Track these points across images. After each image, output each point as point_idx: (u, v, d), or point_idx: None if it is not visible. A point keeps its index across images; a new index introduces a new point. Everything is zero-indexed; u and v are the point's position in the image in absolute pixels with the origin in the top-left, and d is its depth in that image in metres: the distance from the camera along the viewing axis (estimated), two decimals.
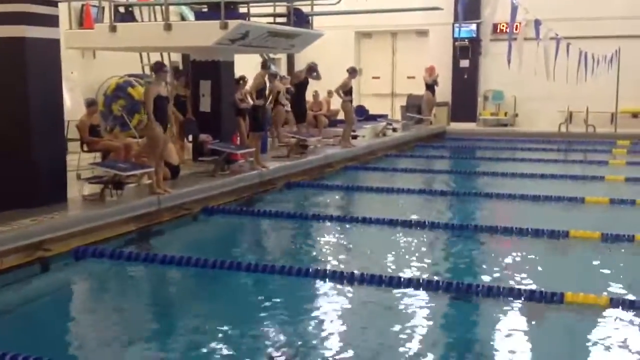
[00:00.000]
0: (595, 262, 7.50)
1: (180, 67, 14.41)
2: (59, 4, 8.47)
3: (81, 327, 5.93)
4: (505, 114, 20.95)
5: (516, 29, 15.36)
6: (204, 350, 5.25)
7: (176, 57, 15.16)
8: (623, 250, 7.89)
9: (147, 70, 12.92)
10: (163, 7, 11.91)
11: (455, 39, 20.76)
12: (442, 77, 20.35)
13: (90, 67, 13.97)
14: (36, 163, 8.14)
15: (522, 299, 6.11)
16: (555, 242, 8.18)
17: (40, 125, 8.18)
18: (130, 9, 12.54)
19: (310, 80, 14.57)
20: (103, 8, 12.64)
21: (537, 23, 14.72)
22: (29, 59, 8.01)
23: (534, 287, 6.26)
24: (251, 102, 11.72)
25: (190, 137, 12.04)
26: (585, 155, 16.37)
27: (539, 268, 7.37)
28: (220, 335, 5.53)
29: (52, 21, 8.28)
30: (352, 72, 14.75)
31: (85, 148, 10.06)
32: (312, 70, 14.27)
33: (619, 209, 10.16)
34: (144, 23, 12.90)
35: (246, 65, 13.71)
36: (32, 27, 7.99)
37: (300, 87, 14.20)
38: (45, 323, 5.88)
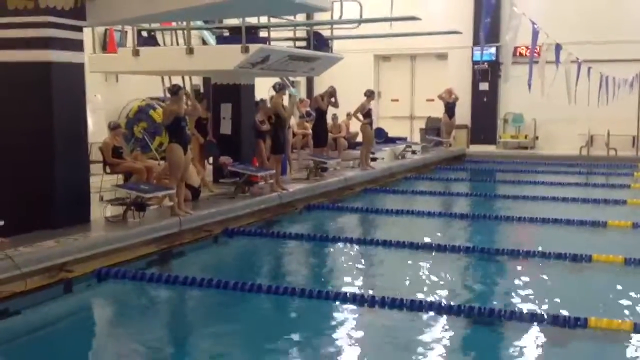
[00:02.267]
0: (619, 287, 7.40)
1: (202, 90, 14.57)
2: (83, 29, 8.61)
3: (103, 349, 5.96)
4: (526, 136, 20.87)
5: (537, 53, 15.36)
6: None
7: (197, 80, 15.33)
8: None
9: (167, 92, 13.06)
10: (185, 32, 12.09)
11: (474, 62, 20.78)
12: (462, 100, 20.36)
13: (113, 90, 14.17)
14: (60, 184, 8.23)
15: (545, 323, 6.05)
16: (578, 266, 8.09)
17: (64, 147, 8.28)
18: (152, 33, 12.73)
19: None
20: (126, 32, 12.86)
21: (558, 47, 14.72)
22: (54, 82, 8.13)
23: (557, 311, 6.19)
24: (268, 125, 11.78)
25: (211, 159, 12.13)
26: (606, 179, 16.24)
27: (562, 292, 7.28)
28: (240, 357, 5.52)
29: (76, 46, 8.41)
30: (370, 94, 14.81)
31: (108, 170, 10.17)
32: (331, 95, 14.35)
33: None
34: (167, 47, 13.10)
35: (266, 88, 13.82)
36: (57, 52, 8.12)
37: (320, 112, 14.27)
38: (67, 344, 5.92)
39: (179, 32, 13.60)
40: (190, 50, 11.28)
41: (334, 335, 6.09)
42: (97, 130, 12.19)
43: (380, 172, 15.14)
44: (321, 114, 14.17)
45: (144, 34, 12.53)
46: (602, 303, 6.79)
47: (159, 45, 12.92)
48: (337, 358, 5.54)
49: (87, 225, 8.37)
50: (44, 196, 8.14)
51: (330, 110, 15.21)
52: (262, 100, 12.65)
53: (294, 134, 14.92)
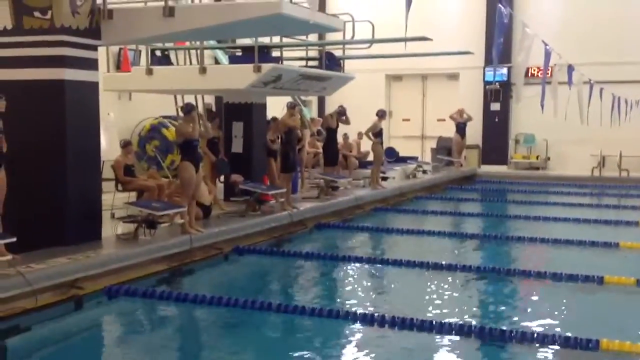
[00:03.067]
0: (631, 309, 7.35)
1: (214, 109, 14.67)
2: (98, 48, 8.71)
3: None
4: (537, 157, 20.83)
5: (549, 74, 15.39)
6: None
7: (209, 99, 15.44)
8: None
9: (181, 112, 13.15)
10: (198, 51, 12.20)
11: (486, 83, 20.82)
12: (473, 120, 20.37)
13: (126, 108, 14.29)
14: (72, 202, 8.29)
15: (557, 345, 6.00)
16: (590, 288, 8.04)
17: (77, 165, 8.34)
18: (166, 52, 12.86)
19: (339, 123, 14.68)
20: (140, 52, 13.00)
21: (570, 68, 14.74)
22: (68, 100, 8.21)
23: (568, 333, 6.14)
24: (279, 144, 11.85)
25: (222, 178, 12.18)
26: (619, 200, 16.15)
27: (574, 314, 7.24)
28: None
29: (91, 64, 8.52)
30: (382, 114, 14.85)
31: (119, 187, 10.23)
32: (341, 114, 14.42)
33: None
34: (180, 66, 13.21)
35: (277, 107, 13.91)
36: (72, 70, 8.22)
37: (331, 131, 14.33)
38: None
39: (192, 52, 13.72)
40: (203, 70, 11.38)
41: (343, 355, 6.07)
42: (109, 148, 12.27)
43: (390, 191, 15.14)
44: (331, 133, 14.22)
45: (158, 53, 12.66)
46: (614, 325, 6.73)
47: (172, 64, 13.04)
48: None
49: (98, 242, 8.41)
50: (56, 213, 8.19)
51: (342, 130, 15.27)
52: (274, 118, 12.71)
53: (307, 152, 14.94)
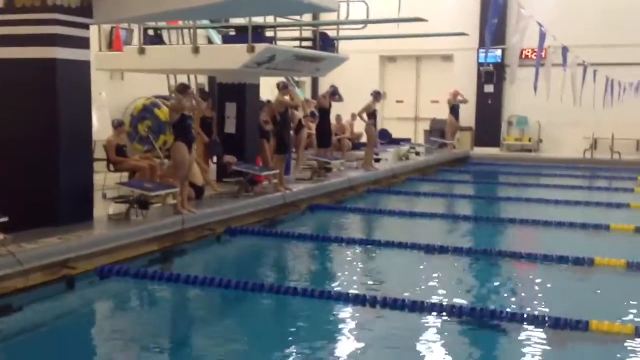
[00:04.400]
0: (620, 290, 7.40)
1: (206, 89, 14.59)
2: (90, 27, 8.64)
3: (104, 346, 5.97)
4: (529, 139, 20.87)
5: (544, 56, 15.36)
6: None
7: (202, 79, 15.35)
8: None
9: (172, 92, 13.08)
10: (191, 31, 12.11)
11: (480, 64, 20.78)
12: (467, 102, 20.36)
13: (118, 88, 14.20)
14: (63, 182, 8.26)
15: (547, 325, 6.05)
16: (580, 269, 8.09)
17: (68, 144, 8.31)
18: (158, 32, 12.76)
19: (332, 103, 14.64)
20: (132, 31, 12.89)
21: (565, 50, 14.71)
22: (59, 79, 8.16)
23: (558, 314, 6.18)
24: (272, 125, 11.82)
25: (215, 158, 12.16)
26: (610, 182, 16.22)
27: (564, 295, 7.30)
28: (241, 356, 5.54)
29: (83, 43, 8.45)
30: (377, 95, 14.81)
31: (111, 168, 10.19)
32: (333, 93, 14.38)
33: None
34: (172, 46, 13.11)
35: (269, 88, 13.84)
36: (63, 49, 8.15)
37: (324, 112, 14.29)
38: (69, 341, 5.94)
39: (185, 31, 13.61)
40: (196, 49, 11.30)
41: (336, 335, 6.11)
42: (101, 127, 12.21)
43: (383, 173, 15.15)
44: (324, 114, 14.18)
45: (150, 32, 12.56)
46: (604, 306, 6.80)
47: (165, 43, 12.95)
48: (338, 358, 5.55)
49: (90, 222, 8.40)
50: (48, 193, 8.16)
51: (335, 111, 15.24)
52: (268, 101, 12.67)
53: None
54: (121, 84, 14.33)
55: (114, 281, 7.34)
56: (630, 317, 6.36)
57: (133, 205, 8.74)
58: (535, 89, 14.17)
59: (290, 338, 5.94)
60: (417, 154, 18.14)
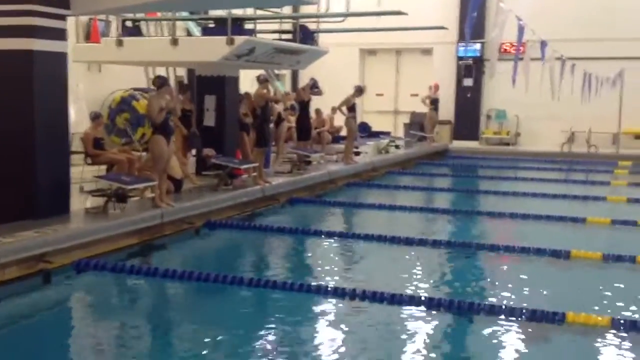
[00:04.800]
0: (597, 283, 7.49)
1: (185, 81, 14.50)
2: (67, 18, 8.53)
3: (81, 340, 5.92)
4: (508, 133, 21.01)
5: (522, 50, 15.44)
6: None
7: (181, 72, 15.25)
8: (624, 271, 7.88)
9: (152, 84, 12.99)
10: (170, 22, 12.01)
11: (459, 58, 20.87)
12: (446, 96, 20.47)
13: (96, 80, 14.07)
14: (40, 175, 8.16)
15: (524, 318, 6.10)
16: (557, 262, 8.17)
17: (45, 137, 8.21)
18: (137, 23, 12.64)
19: (312, 96, 14.63)
20: (110, 22, 12.76)
21: (543, 44, 14.81)
22: (36, 71, 8.05)
23: (535, 306, 6.24)
24: (251, 118, 11.78)
25: (194, 151, 12.08)
26: (587, 176, 16.39)
27: (541, 287, 7.36)
28: (220, 350, 5.53)
29: (60, 35, 8.34)
30: (358, 91, 14.83)
31: (89, 161, 10.09)
32: (313, 86, 14.36)
33: (621, 229, 10.16)
34: (151, 38, 13.01)
35: (249, 80, 13.79)
36: (40, 40, 8.04)
37: (304, 105, 14.28)
38: (45, 335, 5.89)
39: (164, 23, 13.52)
40: (174, 41, 11.22)
41: (315, 328, 6.11)
42: (78, 120, 12.11)
43: (363, 166, 15.18)
44: (304, 107, 14.17)
45: (128, 24, 12.44)
46: (581, 298, 6.87)
47: (143, 35, 12.84)
48: (318, 351, 5.56)
49: (67, 216, 8.31)
50: (24, 186, 8.06)
51: (315, 104, 15.22)
52: (246, 93, 12.61)
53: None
54: (99, 76, 14.20)
55: (91, 275, 7.27)
56: (607, 308, 6.43)
57: (111, 199, 8.67)
58: (513, 82, 14.26)
59: (270, 331, 5.93)
60: (397, 147, 18.19)
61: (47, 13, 8.07)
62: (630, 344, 5.66)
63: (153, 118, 9.06)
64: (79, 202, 8.78)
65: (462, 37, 19.73)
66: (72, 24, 11.54)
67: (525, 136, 20.89)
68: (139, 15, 12.55)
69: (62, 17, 8.36)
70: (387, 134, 19.23)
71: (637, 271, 7.87)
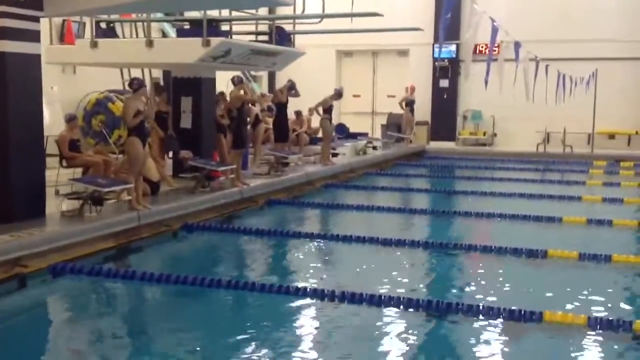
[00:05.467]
0: (573, 282, 7.57)
1: (162, 83, 14.40)
2: (41, 20, 8.43)
3: (57, 345, 5.86)
4: (484, 133, 21.17)
5: (496, 51, 15.56)
6: None
7: (157, 73, 15.15)
8: (600, 270, 7.97)
9: (127, 86, 12.88)
10: (145, 24, 11.93)
11: (435, 59, 20.98)
12: (423, 97, 20.57)
13: (71, 82, 13.92)
14: (14, 178, 8.07)
15: (501, 317, 6.14)
16: (534, 261, 8.24)
17: (19, 140, 8.11)
18: (111, 25, 12.54)
19: (290, 98, 14.62)
20: (84, 24, 12.64)
21: (517, 45, 14.93)
22: (9, 73, 7.96)
23: (513, 305, 6.29)
24: (228, 120, 11.73)
25: (171, 154, 12.01)
26: (562, 176, 16.55)
27: (518, 287, 7.41)
28: (199, 353, 5.49)
29: (33, 36, 8.24)
30: (337, 94, 14.83)
31: (64, 163, 9.98)
32: (291, 88, 14.36)
33: (596, 228, 10.26)
34: (126, 39, 12.91)
35: (225, 82, 13.73)
36: (13, 42, 7.95)
37: (281, 106, 14.26)
38: (21, 340, 5.80)
39: (139, 24, 13.41)
40: (150, 43, 11.13)
41: (294, 330, 6.10)
42: (53, 122, 11.95)
43: (341, 167, 15.19)
44: (281, 108, 14.15)
45: (103, 25, 12.32)
46: (557, 297, 6.92)
47: (118, 37, 12.73)
48: (296, 353, 5.54)
49: (42, 219, 8.22)
50: None
51: (293, 106, 15.21)
52: (221, 93, 12.56)
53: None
54: (74, 78, 14.05)
55: (67, 279, 7.20)
56: (583, 307, 6.50)
57: (87, 202, 8.58)
58: (486, 83, 14.35)
59: (248, 333, 5.90)
60: (375, 148, 18.23)
61: (19, 14, 7.97)
62: (606, 343, 5.73)
63: (128, 121, 8.98)
64: (54, 206, 8.69)
65: (437, 39, 19.84)
66: (45, 26, 11.40)
67: (501, 137, 21.05)
68: (113, 17, 12.45)
69: (35, 19, 8.26)
70: (365, 135, 19.27)
71: (613, 270, 7.96)
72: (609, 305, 6.66)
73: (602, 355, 5.53)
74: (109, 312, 6.70)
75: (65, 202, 8.75)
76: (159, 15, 12.97)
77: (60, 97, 13.31)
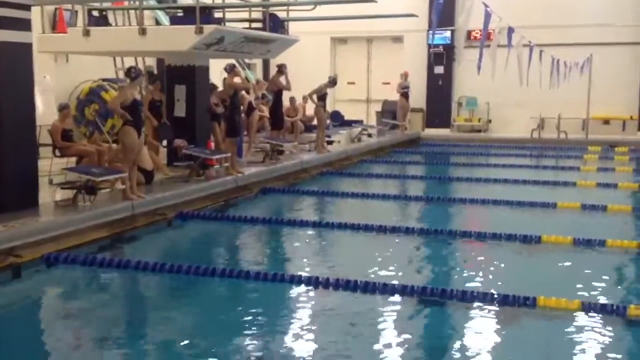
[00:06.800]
0: (567, 267, 7.59)
1: (155, 71, 14.33)
2: (32, 8, 8.36)
3: (52, 335, 5.85)
4: (479, 120, 21.15)
5: (490, 37, 15.53)
6: (178, 357, 5.20)
7: (151, 62, 15.08)
8: (594, 255, 7.99)
9: (121, 75, 12.81)
10: (138, 12, 11.85)
11: (429, 46, 20.92)
12: (418, 84, 20.52)
13: (63, 71, 13.84)
14: (8, 168, 8.03)
15: (496, 303, 6.16)
16: (528, 247, 8.26)
17: (11, 130, 8.07)
18: (104, 13, 12.44)
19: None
20: (76, 12, 12.54)
21: (510, 30, 14.91)
22: (0, 63, 7.89)
23: (507, 291, 6.30)
24: (223, 108, 11.69)
25: (165, 142, 11.97)
26: (557, 161, 16.57)
27: (512, 272, 7.44)
28: (194, 342, 5.49)
29: (24, 25, 8.18)
30: (332, 82, 14.78)
31: (57, 153, 9.94)
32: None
33: (591, 214, 10.29)
34: (118, 27, 12.82)
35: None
36: (4, 31, 7.88)
37: (277, 94, 14.21)
38: (16, 331, 5.80)
39: (132, 12, 13.31)
40: (142, 31, 11.07)
41: (290, 318, 6.10)
42: (46, 112, 11.89)
43: (336, 155, 15.17)
44: (278, 96, 14.11)
45: (95, 13, 12.23)
46: (551, 283, 6.94)
47: (111, 25, 12.64)
48: (292, 340, 5.55)
49: (35, 209, 8.20)
50: None
51: (288, 93, 15.16)
52: (212, 84, 12.50)
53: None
54: (66, 67, 13.97)
55: (61, 269, 7.19)
56: (577, 292, 6.51)
57: (80, 191, 8.56)
58: (479, 69, 14.33)
59: (243, 321, 5.90)
60: (369, 135, 18.21)
61: (9, 3, 7.91)
62: (600, 327, 5.75)
63: (113, 106, 8.94)
64: (48, 195, 8.66)
65: (432, 25, 19.79)
66: (37, 14, 11.33)
67: (496, 123, 21.04)
68: (105, 5, 12.35)
69: (26, 7, 8.20)
70: (360, 122, 19.23)
71: (607, 255, 7.98)
72: (603, 290, 6.68)
73: (596, 340, 5.54)
74: (103, 302, 6.69)
75: (58, 192, 8.72)
76: (152, 2, 12.90)
77: (53, 87, 13.24)
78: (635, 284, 7.27)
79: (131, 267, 7.16)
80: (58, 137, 9.79)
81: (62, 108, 10.07)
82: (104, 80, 13.86)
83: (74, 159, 10.11)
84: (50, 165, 9.96)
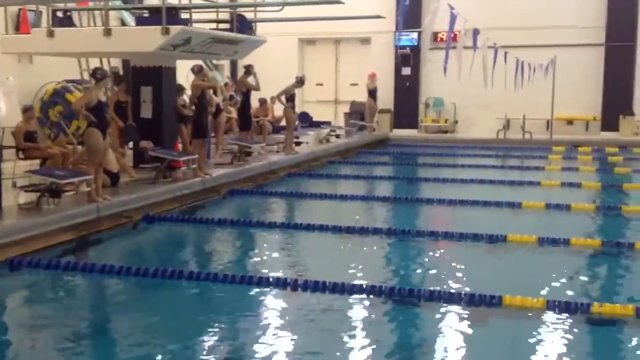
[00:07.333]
0: (532, 266, 7.69)
1: (121, 72, 14.18)
2: None
3: (15, 341, 5.74)
4: (446, 120, 21.34)
5: (455, 38, 15.68)
6: None
7: (116, 63, 14.91)
8: (559, 254, 8.11)
9: (86, 76, 12.66)
10: (103, 12, 11.72)
11: (397, 47, 21.04)
12: (386, 85, 20.63)
13: (27, 72, 13.60)
14: None
15: (462, 302, 6.22)
16: (494, 246, 8.35)
17: None
18: (68, 13, 12.27)
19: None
20: (41, 12, 12.36)
21: (476, 32, 15.06)
22: None
23: (473, 290, 6.37)
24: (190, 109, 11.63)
25: (131, 144, 11.85)
26: (522, 161, 16.79)
27: (479, 272, 7.51)
28: (161, 346, 5.44)
29: None
30: (299, 82, 14.77)
31: (21, 155, 9.78)
32: (249, 73, 14.25)
33: (555, 213, 10.45)
34: (83, 28, 12.67)
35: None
36: None
37: (245, 95, 14.17)
38: None
39: (97, 13, 13.16)
40: (107, 32, 10.95)
41: (258, 320, 6.09)
42: (9, 114, 11.70)
43: (304, 156, 15.17)
44: (246, 97, 14.06)
45: (60, 14, 12.06)
46: (517, 281, 7.04)
47: (75, 26, 12.48)
48: (261, 342, 5.53)
49: None
50: None
51: (257, 94, 15.12)
52: (180, 85, 12.42)
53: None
54: (30, 68, 13.74)
55: (25, 273, 7.07)
56: (542, 291, 6.60)
57: (44, 194, 8.43)
58: (445, 70, 14.44)
59: (211, 324, 5.88)
60: (338, 136, 18.25)
61: None
62: (565, 325, 5.83)
63: (78, 107, 8.83)
64: (11, 198, 8.51)
65: (399, 27, 19.92)
66: (0, 15, 11.15)
67: (462, 124, 21.25)
68: (70, 5, 12.18)
69: None
70: (328, 123, 19.26)
71: (571, 254, 8.11)
72: (568, 288, 6.79)
73: (561, 337, 5.62)
74: (68, 306, 6.60)
75: (22, 195, 8.58)
76: (117, 3, 12.76)
77: (17, 88, 13.01)
78: (598, 282, 7.42)
79: (96, 270, 7.07)
80: (21, 139, 9.64)
81: (26, 110, 9.92)
82: (68, 81, 13.67)
83: (37, 161, 9.95)
84: (14, 168, 9.76)
